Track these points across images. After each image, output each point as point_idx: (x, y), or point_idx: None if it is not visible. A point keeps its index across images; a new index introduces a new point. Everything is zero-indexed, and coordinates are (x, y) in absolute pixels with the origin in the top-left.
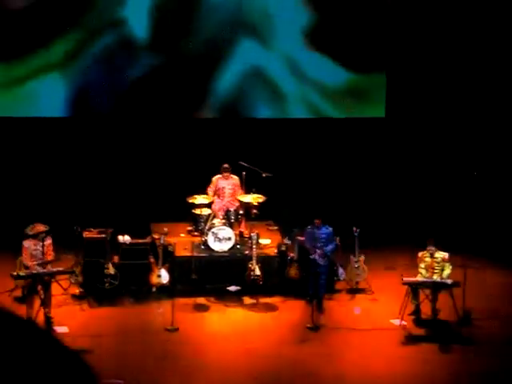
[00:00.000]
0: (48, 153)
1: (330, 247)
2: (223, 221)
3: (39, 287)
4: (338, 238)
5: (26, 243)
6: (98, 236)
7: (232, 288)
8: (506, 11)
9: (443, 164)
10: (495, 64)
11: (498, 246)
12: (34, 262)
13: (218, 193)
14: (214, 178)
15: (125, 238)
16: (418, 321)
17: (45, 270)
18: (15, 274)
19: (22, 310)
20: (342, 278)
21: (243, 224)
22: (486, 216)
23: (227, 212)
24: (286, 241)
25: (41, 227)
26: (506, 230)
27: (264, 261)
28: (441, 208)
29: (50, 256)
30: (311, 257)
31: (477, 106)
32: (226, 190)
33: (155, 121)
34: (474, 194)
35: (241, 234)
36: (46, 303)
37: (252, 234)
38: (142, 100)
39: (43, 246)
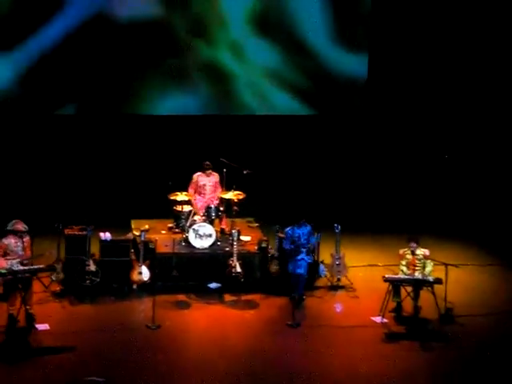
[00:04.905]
0: (29, 150)
1: (313, 242)
2: (204, 217)
3: (20, 285)
4: (318, 234)
5: (6, 240)
6: (80, 233)
7: (213, 285)
8: (488, 6)
9: (418, 152)
10: (465, 55)
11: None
12: (17, 259)
13: (199, 190)
14: (195, 175)
15: (106, 235)
16: (400, 318)
17: (25, 268)
18: None
19: (3, 308)
20: (323, 275)
21: (224, 221)
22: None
23: (208, 209)
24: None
25: (20, 227)
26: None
27: (245, 258)
28: (421, 198)
29: (29, 253)
30: (299, 257)
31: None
32: (207, 186)
33: (135, 118)
34: (447, 176)
35: (222, 231)
36: (27, 301)
37: (233, 231)
38: (123, 94)
39: (23, 242)
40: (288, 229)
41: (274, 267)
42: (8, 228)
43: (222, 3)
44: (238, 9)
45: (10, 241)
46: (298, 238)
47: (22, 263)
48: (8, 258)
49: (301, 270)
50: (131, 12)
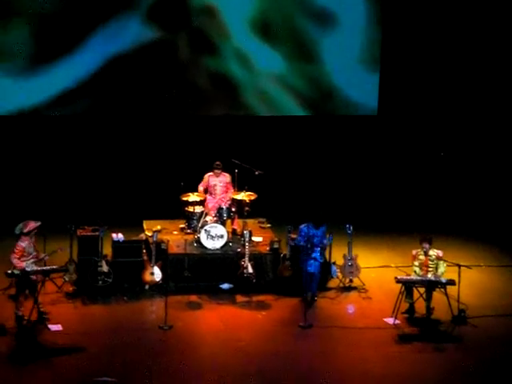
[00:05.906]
0: (41, 151)
1: (325, 242)
2: (215, 218)
3: (32, 285)
4: (330, 235)
5: (23, 243)
6: (92, 234)
7: (225, 286)
8: (494, 9)
9: (431, 152)
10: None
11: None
12: (32, 260)
13: (209, 190)
14: (206, 176)
15: (118, 236)
16: (412, 319)
17: (39, 268)
18: (10, 271)
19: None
20: (335, 276)
21: (236, 221)
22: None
23: (219, 209)
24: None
25: (33, 224)
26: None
27: (256, 258)
28: (434, 198)
29: (39, 253)
30: (313, 255)
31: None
32: (217, 187)
33: (149, 118)
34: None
35: (233, 232)
36: (38, 301)
37: (244, 232)
38: (135, 97)
39: (33, 242)
40: (303, 226)
41: (285, 268)
42: (23, 231)
43: (224, 15)
44: (240, 18)
45: (26, 243)
46: (312, 237)
47: (36, 263)
48: (24, 259)
49: (312, 269)
50: (138, 39)
